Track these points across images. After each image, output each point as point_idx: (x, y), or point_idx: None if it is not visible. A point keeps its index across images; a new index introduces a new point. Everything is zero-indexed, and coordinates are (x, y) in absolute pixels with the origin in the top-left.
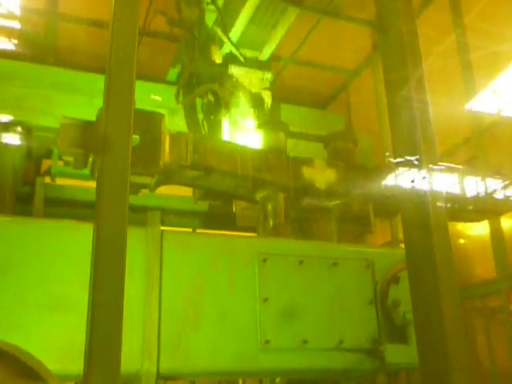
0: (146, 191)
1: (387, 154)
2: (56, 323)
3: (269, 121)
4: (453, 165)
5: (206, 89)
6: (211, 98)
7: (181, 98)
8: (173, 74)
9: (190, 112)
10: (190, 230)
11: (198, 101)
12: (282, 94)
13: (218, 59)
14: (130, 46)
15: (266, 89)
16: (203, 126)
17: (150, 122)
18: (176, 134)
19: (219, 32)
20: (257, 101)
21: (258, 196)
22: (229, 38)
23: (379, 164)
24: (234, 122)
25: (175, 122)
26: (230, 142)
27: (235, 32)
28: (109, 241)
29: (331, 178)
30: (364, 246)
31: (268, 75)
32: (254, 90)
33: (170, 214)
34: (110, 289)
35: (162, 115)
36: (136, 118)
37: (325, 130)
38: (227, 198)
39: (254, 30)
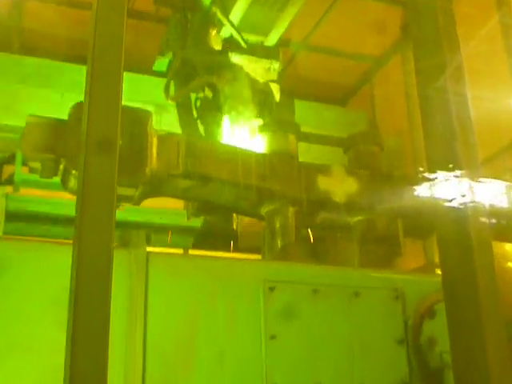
0: (128, 205)
1: (419, 160)
2: (21, 366)
3: (277, 120)
4: (497, 173)
5: (201, 81)
6: (208, 92)
7: (171, 93)
8: (161, 63)
9: (182, 109)
10: (182, 251)
11: (193, 96)
12: (293, 87)
13: (217, 46)
14: (117, 30)
15: (273, 81)
16: (198, 125)
17: (134, 122)
18: (165, 136)
19: (218, 13)
20: (263, 96)
21: (264, 210)
22: (229, 20)
23: (410, 172)
24: (236, 122)
25: (164, 121)
26: (230, 146)
27: (236, 13)
28: (92, 266)
29: (352, 190)
30: (392, 271)
31: (276, 65)
32: (259, 83)
33: (158, 232)
34: (92, 326)
35: (149, 113)
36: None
37: (344, 131)
38: (226, 212)
39: (259, 11)
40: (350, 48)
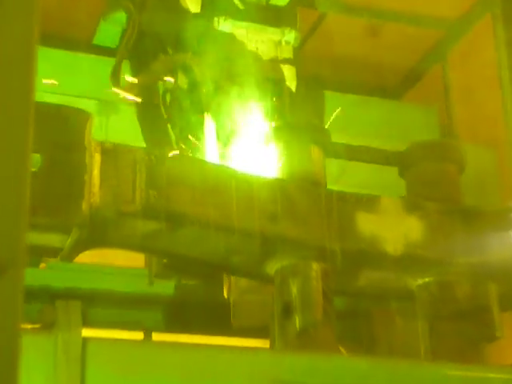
0: (54, 261)
1: None
2: None
3: (293, 123)
4: None
5: (171, 62)
6: (182, 79)
7: (123, 81)
8: (105, 33)
9: (143, 107)
10: (142, 335)
11: (160, 86)
12: (320, 70)
13: (194, 7)
14: None
15: (287, 62)
16: (170, 133)
17: (62, 130)
18: (114, 151)
19: None
20: (270, 85)
21: (273, 268)
22: None
23: (508, 205)
24: (227, 126)
25: (112, 127)
26: (218, 166)
27: None
28: None
29: (414, 234)
30: (482, 367)
31: (291, 36)
32: (264, 65)
33: (102, 305)
34: None
35: (87, 115)
36: (38, 121)
37: (400, 140)
38: (212, 272)
39: None
40: (409, 8)
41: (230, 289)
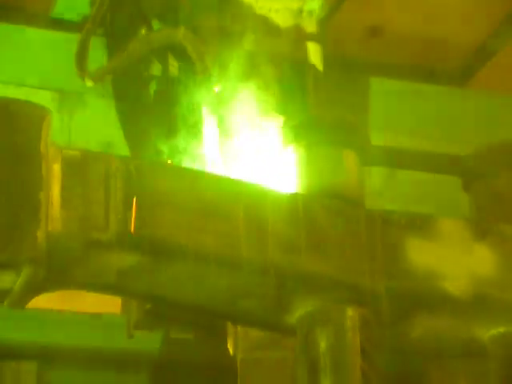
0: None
1: None
2: None
3: (319, 120)
4: None
5: (156, 41)
6: (171, 64)
7: (92, 68)
8: (65, 2)
9: (122, 100)
10: None
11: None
12: (355, 50)
13: None
14: None
15: (309, 37)
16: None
17: (9, 131)
18: (80, 159)
19: None
20: (289, 68)
21: (293, 315)
22: None
23: None
24: (232, 124)
25: (78, 126)
26: (220, 178)
27: None
28: None
29: (483, 268)
30: None
31: (314, 2)
32: (280, 42)
33: (65, 365)
34: None
35: (45, 112)
36: None
37: (464, 139)
38: (212, 322)
39: None
40: None
41: (237, 343)
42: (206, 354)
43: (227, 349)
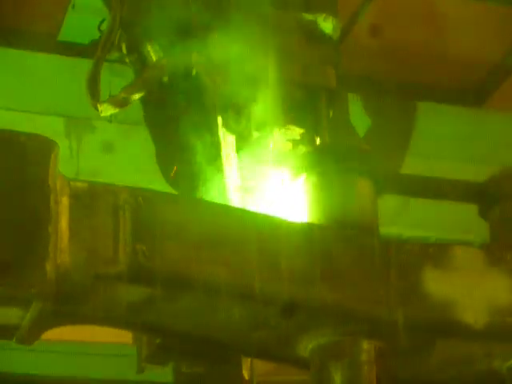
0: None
1: None
2: None
3: (332, 148)
4: None
5: (169, 67)
6: (180, 85)
7: (110, 92)
8: (72, 25)
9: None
10: None
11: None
12: (369, 72)
13: None
14: None
15: (324, 61)
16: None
17: (17, 164)
18: (88, 191)
19: None
20: (302, 94)
21: (306, 348)
22: None
23: None
24: (247, 150)
25: (86, 153)
26: (231, 209)
27: None
28: None
29: (501, 297)
30: None
31: (327, 24)
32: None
33: None
34: None
35: (52, 145)
36: None
37: (483, 162)
38: (224, 355)
39: None
40: None
41: (253, 367)
42: (219, 382)
43: (241, 374)
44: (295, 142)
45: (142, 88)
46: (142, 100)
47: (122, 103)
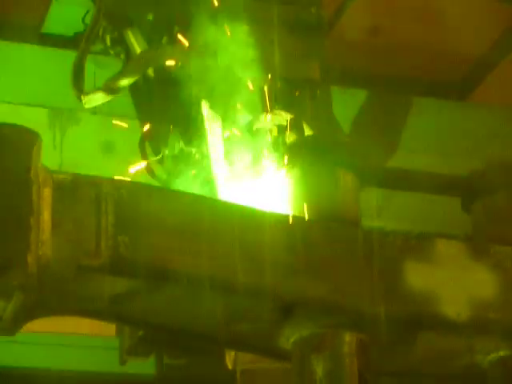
0: None
1: None
2: None
3: (314, 140)
4: None
5: (153, 60)
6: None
7: (94, 84)
8: (57, 17)
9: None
10: None
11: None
12: (353, 64)
13: None
14: None
15: (308, 54)
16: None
17: None
18: (70, 183)
19: None
20: (287, 84)
21: (288, 340)
22: None
23: None
24: (230, 142)
25: (69, 146)
26: (215, 200)
27: None
28: None
29: (483, 290)
30: None
31: (311, 16)
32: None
33: None
34: None
35: (34, 136)
36: None
37: (465, 156)
38: (206, 347)
39: None
40: None
41: (236, 357)
42: (201, 373)
43: (224, 364)
44: (281, 128)
45: (126, 80)
46: (130, 88)
47: (106, 95)
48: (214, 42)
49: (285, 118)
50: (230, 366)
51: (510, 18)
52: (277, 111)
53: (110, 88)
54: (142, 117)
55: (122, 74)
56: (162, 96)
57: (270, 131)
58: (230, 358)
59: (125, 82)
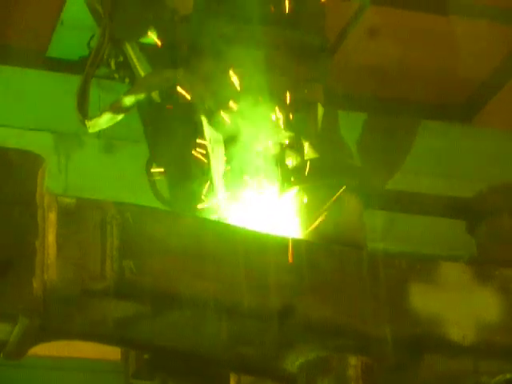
0: None
1: None
2: None
3: (319, 163)
4: None
5: (156, 84)
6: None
7: (99, 108)
8: (61, 41)
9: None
10: None
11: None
12: (358, 88)
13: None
14: None
15: (312, 77)
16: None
17: (5, 180)
18: (75, 207)
19: None
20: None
21: (293, 363)
22: None
23: None
24: (238, 169)
25: (74, 169)
26: (219, 224)
27: None
28: None
29: (488, 313)
30: None
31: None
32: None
33: None
34: None
35: (39, 160)
36: None
37: (467, 182)
38: (211, 371)
39: None
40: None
41: (240, 379)
42: None
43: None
44: (283, 146)
45: (130, 103)
46: (138, 111)
47: (110, 119)
48: (217, 69)
49: (286, 135)
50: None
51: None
52: (279, 129)
53: (113, 111)
54: (149, 139)
55: (125, 97)
56: (168, 117)
57: (272, 150)
58: (234, 381)
59: (128, 105)
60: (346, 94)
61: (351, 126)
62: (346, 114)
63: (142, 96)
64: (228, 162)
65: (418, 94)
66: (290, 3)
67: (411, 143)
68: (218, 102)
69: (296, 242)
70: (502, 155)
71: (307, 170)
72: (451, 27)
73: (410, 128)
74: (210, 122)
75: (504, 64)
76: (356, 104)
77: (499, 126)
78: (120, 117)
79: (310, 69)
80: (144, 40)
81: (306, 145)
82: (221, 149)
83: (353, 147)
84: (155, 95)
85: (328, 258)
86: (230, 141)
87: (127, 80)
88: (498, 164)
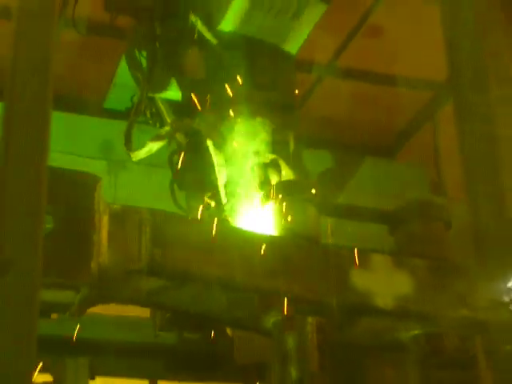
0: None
1: None
2: None
3: (291, 183)
4: None
5: (178, 129)
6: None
7: (139, 144)
8: (114, 97)
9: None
10: (146, 382)
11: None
12: (316, 131)
13: (198, 72)
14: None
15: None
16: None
17: (74, 192)
18: (122, 212)
19: (199, 25)
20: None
21: (269, 321)
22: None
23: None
24: (234, 187)
25: (122, 184)
26: (222, 225)
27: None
28: None
29: (403, 289)
30: None
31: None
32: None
33: (111, 355)
34: None
35: (97, 179)
36: (52, 184)
37: (390, 199)
38: (212, 326)
39: (261, 18)
40: (401, 72)
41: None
42: (206, 346)
43: (226, 335)
44: (265, 165)
45: (160, 142)
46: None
47: (147, 152)
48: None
49: (268, 157)
50: (229, 333)
51: (420, 102)
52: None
53: (149, 146)
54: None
55: (157, 137)
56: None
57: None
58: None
59: (159, 143)
60: (309, 135)
61: (312, 158)
62: (308, 151)
63: (168, 137)
64: (227, 178)
65: (358, 137)
66: (270, 74)
67: (354, 171)
68: (221, 138)
69: (273, 238)
70: (416, 182)
71: (281, 187)
72: (380, 92)
73: (353, 161)
74: (217, 152)
75: (415, 117)
76: (315, 143)
77: (414, 161)
78: (154, 150)
79: (283, 120)
80: (169, 96)
81: (283, 166)
82: (223, 169)
83: (313, 172)
84: (179, 136)
85: (295, 249)
86: (228, 163)
87: (158, 125)
88: (413, 188)
